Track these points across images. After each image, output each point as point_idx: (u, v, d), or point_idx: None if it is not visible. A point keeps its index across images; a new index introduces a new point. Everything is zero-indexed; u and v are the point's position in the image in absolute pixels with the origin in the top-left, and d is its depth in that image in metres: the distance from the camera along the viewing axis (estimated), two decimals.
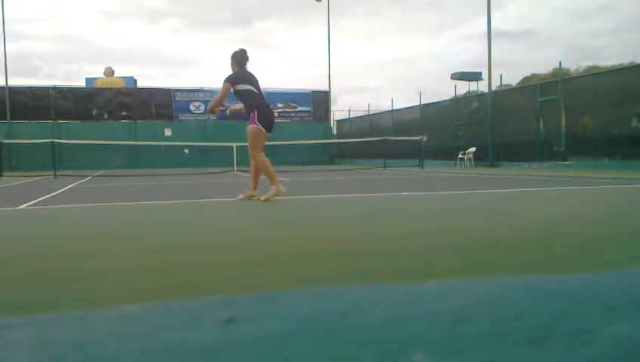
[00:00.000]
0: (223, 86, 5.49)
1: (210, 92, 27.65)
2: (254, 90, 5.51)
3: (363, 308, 1.25)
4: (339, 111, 32.29)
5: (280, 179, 5.62)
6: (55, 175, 13.72)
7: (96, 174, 16.01)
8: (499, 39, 68.53)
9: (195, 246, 2.66)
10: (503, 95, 17.83)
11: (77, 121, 25.80)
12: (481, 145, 17.66)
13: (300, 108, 28.49)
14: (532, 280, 1.60)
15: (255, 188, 5.56)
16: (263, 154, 5.53)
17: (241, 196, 5.58)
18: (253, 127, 5.45)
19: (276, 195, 5.32)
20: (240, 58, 5.59)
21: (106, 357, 0.95)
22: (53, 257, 2.46)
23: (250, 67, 5.70)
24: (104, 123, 26.18)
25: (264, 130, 5.47)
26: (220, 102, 5.61)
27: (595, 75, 15.72)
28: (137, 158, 24.77)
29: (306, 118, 28.44)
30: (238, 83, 5.46)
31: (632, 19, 65.74)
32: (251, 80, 5.52)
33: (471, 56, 78.57)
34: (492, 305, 1.27)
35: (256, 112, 5.44)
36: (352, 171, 15.41)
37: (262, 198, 5.30)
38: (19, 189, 8.84)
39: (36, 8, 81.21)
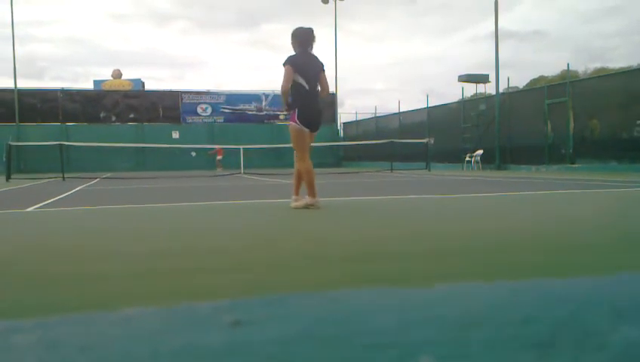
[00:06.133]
0: (285, 70, 4.65)
1: (217, 94, 27.74)
2: (303, 82, 4.72)
3: (370, 311, 1.25)
4: (346, 113, 32.27)
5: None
6: (63, 177, 13.79)
7: (104, 176, 16.09)
8: (507, 40, 68.32)
9: (202, 250, 2.67)
10: (511, 97, 17.74)
11: (85, 124, 25.99)
12: (488, 148, 17.58)
13: None
14: (540, 284, 1.59)
15: (301, 193, 4.89)
16: (307, 159, 4.79)
17: (296, 205, 4.80)
18: (291, 125, 4.77)
19: (306, 206, 4.68)
20: (303, 37, 4.80)
21: (113, 359, 0.96)
22: (61, 260, 2.47)
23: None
24: (112, 125, 26.35)
25: (304, 128, 4.72)
26: (286, 91, 4.71)
27: (604, 77, 15.63)
28: (145, 161, 24.91)
29: None
30: (297, 71, 4.67)
31: None
32: (307, 69, 4.74)
33: (478, 58, 78.52)
34: (500, 308, 1.26)
35: (296, 109, 4.72)
36: (358, 174, 15.39)
37: (291, 205, 4.81)
38: (27, 191, 8.90)
39: (44, 11, 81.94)
